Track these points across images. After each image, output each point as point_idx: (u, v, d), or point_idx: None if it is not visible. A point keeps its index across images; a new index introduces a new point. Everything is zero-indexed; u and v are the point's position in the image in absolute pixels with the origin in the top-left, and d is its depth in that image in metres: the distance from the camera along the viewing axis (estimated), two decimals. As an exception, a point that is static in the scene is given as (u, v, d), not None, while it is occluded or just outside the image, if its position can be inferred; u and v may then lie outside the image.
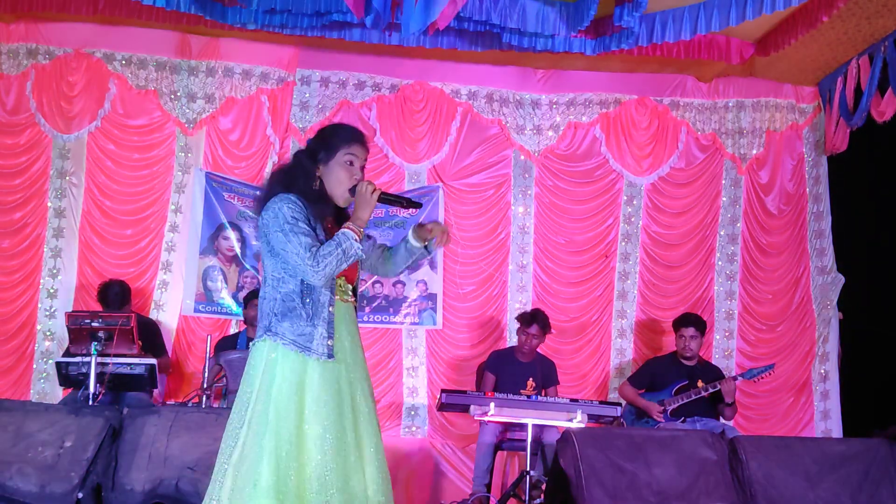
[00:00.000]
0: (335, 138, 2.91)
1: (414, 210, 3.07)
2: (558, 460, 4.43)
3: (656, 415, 5.73)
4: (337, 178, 2.88)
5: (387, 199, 2.88)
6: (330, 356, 2.79)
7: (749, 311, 6.97)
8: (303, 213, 2.79)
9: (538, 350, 6.11)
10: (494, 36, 5.92)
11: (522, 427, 5.23)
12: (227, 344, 6.00)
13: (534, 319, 5.98)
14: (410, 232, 3.03)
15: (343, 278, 2.91)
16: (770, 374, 5.97)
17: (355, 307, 2.99)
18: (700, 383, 5.79)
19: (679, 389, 5.77)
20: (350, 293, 2.95)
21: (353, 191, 2.85)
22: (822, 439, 6.30)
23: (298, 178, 2.87)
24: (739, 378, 5.83)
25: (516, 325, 6.12)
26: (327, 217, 2.91)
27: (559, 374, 6.23)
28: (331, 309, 2.82)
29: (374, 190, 2.81)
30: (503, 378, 5.95)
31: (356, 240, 2.76)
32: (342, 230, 2.78)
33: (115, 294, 5.94)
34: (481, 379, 6.07)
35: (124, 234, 6.55)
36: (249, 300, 6.12)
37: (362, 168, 2.92)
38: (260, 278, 6.56)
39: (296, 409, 2.72)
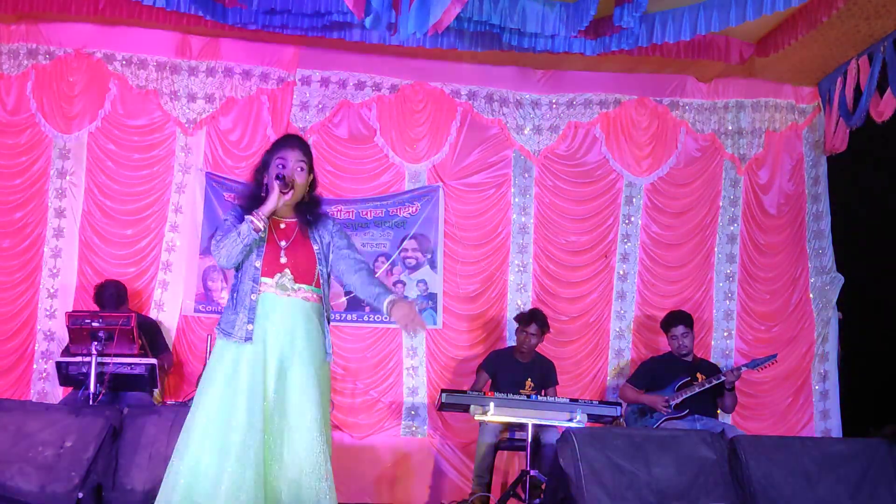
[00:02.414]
0: (272, 147, 3.36)
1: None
2: (558, 460, 4.44)
3: (662, 407, 5.74)
4: (271, 178, 3.28)
5: (281, 186, 3.21)
6: (248, 339, 3.13)
7: (748, 311, 6.97)
8: (233, 216, 3.24)
9: (537, 350, 6.11)
10: (494, 36, 5.92)
11: (522, 427, 5.23)
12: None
13: (532, 319, 6.00)
14: (386, 303, 3.29)
15: (286, 274, 3.21)
16: (774, 363, 6.01)
17: (310, 303, 3.26)
18: (701, 377, 5.81)
19: (681, 386, 5.79)
20: (296, 289, 3.23)
21: (285, 186, 3.21)
22: (822, 439, 6.30)
23: (249, 190, 3.35)
24: (743, 368, 5.85)
25: (515, 325, 6.14)
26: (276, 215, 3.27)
27: (559, 375, 6.23)
28: (252, 297, 3.18)
29: (280, 181, 3.20)
30: (502, 378, 5.96)
31: (252, 222, 3.14)
32: (247, 216, 3.18)
33: (111, 295, 5.94)
34: (478, 378, 6.08)
35: (124, 234, 6.55)
36: None
37: (301, 168, 3.28)
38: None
39: (203, 388, 3.13)
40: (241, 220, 3.19)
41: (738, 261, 7.01)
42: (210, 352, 5.36)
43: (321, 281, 3.32)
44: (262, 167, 3.32)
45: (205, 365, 5.27)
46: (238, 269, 3.25)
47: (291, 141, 3.35)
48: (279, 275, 3.21)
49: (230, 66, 6.72)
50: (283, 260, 3.23)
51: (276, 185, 3.19)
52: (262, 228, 3.17)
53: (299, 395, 3.13)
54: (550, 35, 5.75)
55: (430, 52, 6.48)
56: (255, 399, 3.06)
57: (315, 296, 3.29)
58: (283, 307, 3.20)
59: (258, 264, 3.18)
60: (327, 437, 3.18)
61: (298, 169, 3.27)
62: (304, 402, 3.13)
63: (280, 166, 3.25)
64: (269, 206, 3.19)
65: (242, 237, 3.13)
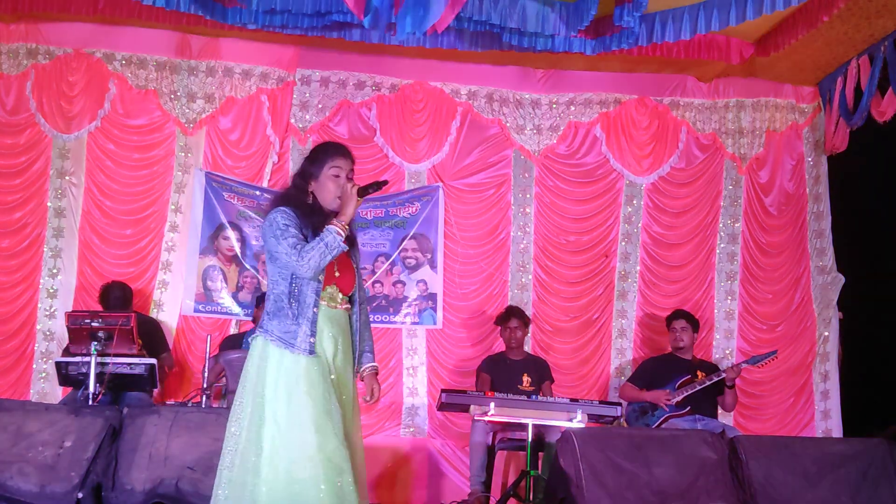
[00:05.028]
0: (321, 155, 3.28)
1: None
2: (558, 460, 4.44)
3: (664, 401, 5.74)
4: (328, 190, 3.23)
5: (361, 191, 3.20)
6: (311, 352, 3.08)
7: (749, 310, 6.97)
8: (294, 221, 3.14)
9: (529, 351, 6.16)
10: (494, 36, 5.92)
11: (522, 426, 5.23)
12: (232, 343, 6.00)
13: (510, 314, 6.17)
14: (367, 367, 3.38)
15: (335, 286, 3.22)
16: (774, 359, 6.03)
17: (350, 315, 3.30)
18: (701, 375, 5.82)
19: (682, 384, 5.79)
20: (342, 301, 3.25)
21: (364, 192, 3.20)
22: (822, 439, 6.30)
23: (293, 195, 3.26)
24: (743, 364, 5.87)
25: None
26: (323, 228, 3.17)
27: (558, 373, 6.24)
28: (315, 310, 3.13)
29: (353, 186, 3.18)
30: (498, 378, 5.98)
31: (339, 234, 3.09)
32: (326, 226, 3.11)
33: (117, 297, 5.94)
34: (478, 380, 6.11)
35: (124, 234, 6.54)
36: (260, 302, 6.12)
37: (350, 177, 3.25)
38: (260, 278, 6.59)
39: (284, 399, 3.03)
40: (299, 227, 3.11)
41: (739, 260, 7.01)
42: (210, 352, 5.40)
43: (355, 293, 3.35)
44: (308, 175, 3.25)
45: (205, 365, 5.33)
46: (291, 278, 3.14)
47: (343, 149, 3.31)
48: (330, 287, 3.21)
49: (230, 65, 6.72)
50: (337, 273, 3.23)
51: (353, 193, 3.14)
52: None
53: (352, 406, 3.23)
54: (550, 35, 5.74)
55: (430, 52, 6.47)
56: (336, 409, 3.07)
57: (350, 308, 3.32)
58: (334, 319, 3.21)
59: (321, 276, 3.16)
60: None
61: (347, 177, 3.25)
62: (356, 413, 3.25)
63: (336, 175, 3.21)
64: (349, 215, 3.15)
65: (331, 248, 3.07)
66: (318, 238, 3.09)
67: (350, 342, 3.29)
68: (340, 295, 3.24)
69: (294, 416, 2.99)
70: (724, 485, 4.45)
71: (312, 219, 3.18)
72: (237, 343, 5.99)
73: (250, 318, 6.31)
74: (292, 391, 3.02)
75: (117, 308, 5.82)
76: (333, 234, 3.08)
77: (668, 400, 5.75)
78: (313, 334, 3.10)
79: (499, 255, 6.90)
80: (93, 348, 4.95)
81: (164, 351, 6.03)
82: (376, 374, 3.42)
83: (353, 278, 3.31)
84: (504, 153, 6.98)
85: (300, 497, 2.91)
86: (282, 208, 3.17)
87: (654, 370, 6.07)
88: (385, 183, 3.38)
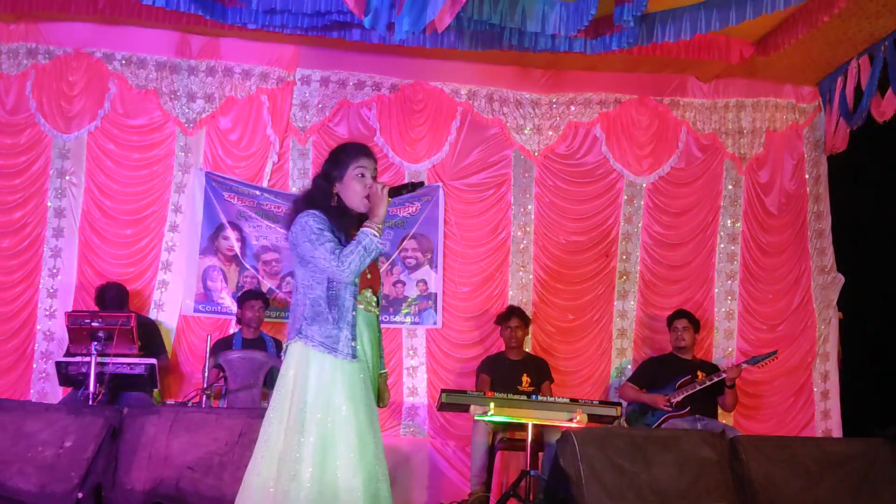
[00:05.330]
0: (344, 156, 3.22)
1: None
2: (558, 460, 4.43)
3: (663, 405, 5.75)
4: (353, 191, 3.18)
5: (393, 191, 3.16)
6: (353, 357, 3.06)
7: (749, 310, 6.96)
8: (326, 225, 3.09)
9: (528, 351, 6.15)
10: (494, 36, 5.91)
11: (522, 426, 5.23)
12: (223, 346, 5.98)
13: (511, 313, 6.19)
14: (380, 373, 3.35)
15: (369, 289, 3.22)
16: (774, 359, 6.04)
17: (378, 318, 3.29)
18: (701, 375, 5.82)
19: (682, 384, 5.79)
20: (374, 304, 3.26)
21: (369, 198, 3.16)
22: (823, 439, 6.30)
23: (318, 197, 3.20)
24: (744, 364, 5.87)
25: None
26: (351, 229, 3.15)
27: (558, 373, 6.24)
28: (353, 314, 3.11)
29: (384, 187, 3.13)
30: (498, 379, 5.98)
31: (375, 235, 3.06)
32: (361, 229, 3.08)
33: (112, 297, 5.94)
34: (477, 381, 6.11)
35: (124, 234, 6.54)
36: (244, 301, 6.11)
37: (374, 177, 3.21)
38: (260, 278, 6.58)
39: (326, 405, 2.98)
40: (331, 230, 3.07)
41: (739, 260, 7.01)
42: (210, 349, 5.39)
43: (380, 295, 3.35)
44: (331, 176, 3.19)
45: (204, 365, 5.33)
46: (327, 282, 3.09)
47: (367, 149, 3.27)
48: (366, 290, 3.21)
49: (230, 65, 6.72)
50: (369, 276, 3.23)
51: (385, 194, 3.10)
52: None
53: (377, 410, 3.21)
54: (551, 34, 5.74)
55: (430, 51, 6.47)
56: (375, 415, 3.08)
57: (378, 308, 3.32)
58: (369, 323, 3.21)
59: (357, 280, 3.14)
60: None
61: (372, 177, 3.20)
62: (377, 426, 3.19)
63: (361, 175, 3.16)
64: (381, 216, 3.11)
65: (369, 251, 3.05)
66: (355, 241, 3.05)
67: (379, 345, 3.30)
68: (375, 298, 3.25)
69: (336, 423, 2.95)
70: (724, 485, 4.45)
71: (342, 220, 3.15)
72: (227, 345, 5.97)
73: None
74: (334, 397, 2.99)
75: (113, 308, 5.82)
76: (370, 237, 3.05)
77: (667, 406, 5.75)
78: (354, 338, 3.08)
79: (499, 254, 6.90)
80: (93, 348, 4.95)
81: (161, 354, 6.00)
82: (386, 379, 3.43)
83: (379, 279, 3.32)
84: (504, 153, 6.98)
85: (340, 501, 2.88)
86: (312, 212, 3.10)
87: (655, 370, 6.07)
88: (421, 185, 3.33)
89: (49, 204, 6.49)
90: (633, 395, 6.00)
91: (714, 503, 4.37)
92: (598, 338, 6.87)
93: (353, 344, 3.06)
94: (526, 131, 6.99)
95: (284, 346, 3.15)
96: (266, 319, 6.29)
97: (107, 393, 5.12)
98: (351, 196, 3.18)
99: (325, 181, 3.21)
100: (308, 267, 3.10)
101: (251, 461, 3.02)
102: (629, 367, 6.73)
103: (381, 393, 3.33)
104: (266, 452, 2.98)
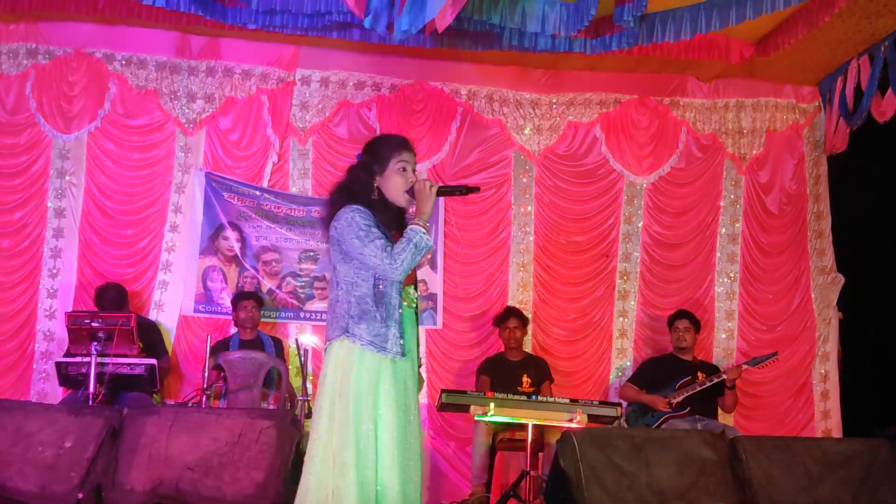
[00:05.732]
0: (385, 149, 3.14)
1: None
2: (558, 460, 4.43)
3: (662, 406, 5.75)
4: (395, 185, 3.11)
5: (444, 191, 3.14)
6: (403, 355, 3.03)
7: (749, 310, 6.96)
8: (372, 220, 3.02)
9: (528, 351, 6.16)
10: (494, 36, 5.91)
11: (522, 427, 5.23)
12: (221, 347, 5.97)
13: (508, 314, 6.21)
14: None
15: (412, 286, 3.17)
16: (774, 360, 6.04)
17: (416, 313, 3.23)
18: (701, 376, 5.83)
19: (682, 384, 5.80)
20: (414, 299, 3.19)
21: (410, 192, 3.09)
22: (823, 439, 6.29)
23: (359, 190, 3.11)
24: (744, 365, 5.88)
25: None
26: (391, 223, 3.11)
27: (558, 374, 6.24)
28: (400, 311, 3.06)
29: (432, 185, 3.06)
30: (498, 379, 5.98)
31: (424, 233, 3.00)
32: (409, 227, 3.03)
33: (112, 298, 5.94)
34: (477, 383, 6.11)
35: (124, 234, 6.55)
36: (236, 303, 6.10)
37: (413, 170, 3.14)
38: (260, 279, 6.58)
39: (373, 403, 2.95)
40: (377, 226, 3.00)
41: (739, 260, 7.01)
42: (209, 351, 5.39)
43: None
44: (371, 170, 3.11)
45: (204, 365, 5.32)
46: (373, 279, 3.03)
47: (407, 142, 3.18)
48: (409, 287, 3.16)
49: (230, 65, 6.72)
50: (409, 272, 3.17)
51: (433, 192, 3.04)
52: None
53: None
54: (551, 35, 5.74)
55: (430, 52, 6.47)
56: (417, 413, 3.08)
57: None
58: (410, 319, 3.15)
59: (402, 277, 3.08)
60: None
61: (412, 171, 3.14)
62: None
63: (402, 168, 3.10)
64: (427, 213, 3.05)
65: (420, 249, 3.00)
66: (405, 239, 2.98)
67: (417, 339, 3.23)
68: (415, 293, 3.21)
69: (382, 420, 2.94)
70: (724, 485, 4.44)
71: (385, 215, 3.08)
72: (225, 347, 5.96)
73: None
74: (381, 396, 2.96)
75: (112, 308, 5.82)
76: (420, 235, 2.98)
77: (667, 407, 5.76)
78: (402, 335, 3.04)
79: (499, 255, 6.90)
80: (93, 349, 4.95)
81: (162, 356, 6.00)
82: (420, 367, 3.38)
83: (414, 275, 3.24)
84: (504, 153, 6.98)
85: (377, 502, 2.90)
86: (356, 207, 3.02)
87: (655, 371, 6.08)
88: (476, 190, 3.18)
89: (49, 204, 6.49)
90: (634, 395, 6.00)
91: (714, 503, 4.36)
92: (599, 338, 6.87)
93: (401, 342, 3.02)
94: (526, 131, 6.99)
95: (326, 343, 3.09)
96: (263, 320, 6.29)
97: (107, 393, 5.12)
98: (392, 190, 3.10)
99: (366, 174, 3.12)
100: (352, 263, 3.03)
101: (305, 462, 3.00)
102: (629, 367, 6.74)
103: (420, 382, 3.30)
104: (319, 452, 2.95)
